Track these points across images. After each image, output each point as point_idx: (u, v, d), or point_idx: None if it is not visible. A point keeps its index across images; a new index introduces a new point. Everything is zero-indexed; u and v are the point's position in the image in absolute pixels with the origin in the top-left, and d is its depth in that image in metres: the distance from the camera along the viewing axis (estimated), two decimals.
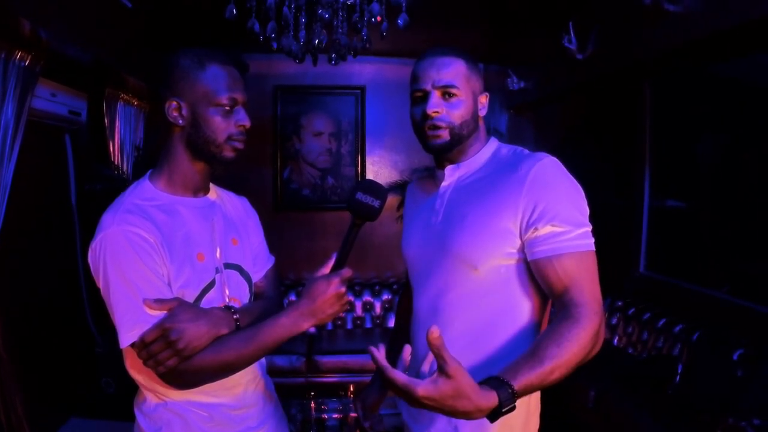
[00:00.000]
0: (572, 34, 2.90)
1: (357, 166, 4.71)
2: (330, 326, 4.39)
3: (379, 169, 4.75)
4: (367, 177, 4.69)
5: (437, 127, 1.22)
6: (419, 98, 1.24)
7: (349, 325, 4.42)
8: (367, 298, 4.45)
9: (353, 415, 2.70)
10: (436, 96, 1.21)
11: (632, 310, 3.49)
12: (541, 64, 3.55)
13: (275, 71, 4.33)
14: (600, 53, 2.81)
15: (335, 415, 2.76)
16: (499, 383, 0.92)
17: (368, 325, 4.38)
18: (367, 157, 4.71)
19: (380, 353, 0.92)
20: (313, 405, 2.75)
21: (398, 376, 0.88)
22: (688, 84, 3.33)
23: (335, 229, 4.49)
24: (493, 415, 0.91)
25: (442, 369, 0.87)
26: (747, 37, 2.09)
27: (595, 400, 2.88)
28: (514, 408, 0.92)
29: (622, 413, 2.66)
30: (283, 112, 4.57)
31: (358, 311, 4.46)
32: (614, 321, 3.59)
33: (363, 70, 4.60)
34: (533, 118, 4.21)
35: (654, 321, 3.24)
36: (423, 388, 0.86)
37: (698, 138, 3.43)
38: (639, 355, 3.23)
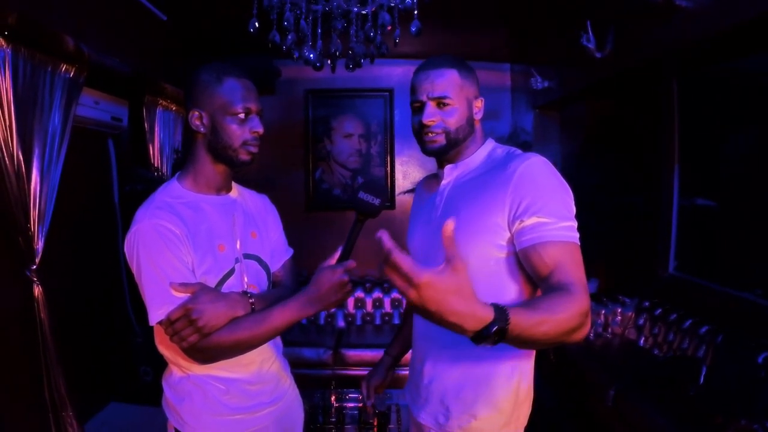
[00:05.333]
0: (590, 33, 2.90)
1: (386, 166, 4.81)
2: (359, 321, 4.51)
3: (407, 168, 4.83)
4: (396, 177, 4.80)
5: (434, 133, 1.32)
6: (417, 108, 1.35)
7: (378, 321, 4.53)
8: (395, 295, 4.54)
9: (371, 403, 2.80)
10: (431, 106, 1.31)
11: (659, 310, 3.45)
12: (562, 63, 3.55)
13: (306, 76, 4.45)
14: (617, 51, 2.81)
15: (354, 404, 2.87)
16: (497, 306, 0.91)
17: (396, 321, 4.47)
18: (396, 158, 4.80)
19: (386, 235, 0.86)
20: (334, 395, 2.87)
21: (404, 260, 0.82)
22: (717, 80, 3.26)
23: (364, 227, 4.56)
24: (483, 331, 0.88)
25: (450, 261, 0.85)
26: (761, 32, 2.06)
27: (614, 399, 2.87)
28: (502, 333, 0.90)
29: (639, 413, 2.66)
30: (314, 115, 4.71)
31: (387, 307, 4.56)
32: (641, 321, 3.56)
33: (391, 73, 4.69)
34: (558, 117, 4.19)
35: (680, 322, 3.21)
36: (428, 275, 0.82)
37: (728, 135, 3.35)
38: (664, 356, 3.20)
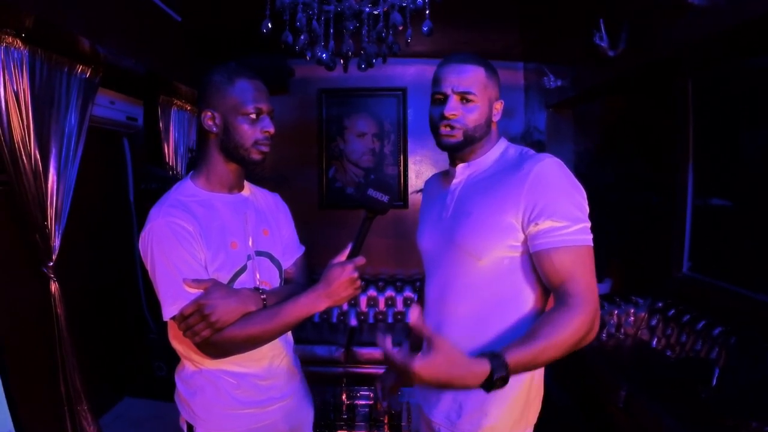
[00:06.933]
0: (603, 31, 2.88)
1: (399, 165, 4.81)
2: (371, 320, 4.53)
3: (420, 168, 4.83)
4: (410, 176, 4.81)
5: (452, 128, 1.31)
6: (439, 100, 1.34)
7: (390, 320, 4.54)
8: (408, 293, 4.55)
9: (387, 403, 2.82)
10: (454, 100, 1.30)
11: (672, 311, 3.42)
12: (575, 61, 3.53)
13: (319, 75, 4.45)
14: (630, 50, 2.78)
15: (365, 402, 2.89)
16: (492, 354, 1.03)
17: (408, 319, 4.47)
18: (409, 157, 4.80)
19: (386, 340, 1.02)
20: (345, 392, 2.89)
21: (396, 356, 0.98)
22: (733, 77, 3.21)
23: (377, 226, 4.50)
24: (487, 382, 1.00)
25: (431, 342, 0.98)
26: None
27: (625, 400, 2.85)
28: (506, 378, 1.01)
29: (649, 414, 2.64)
30: (327, 114, 4.72)
31: (399, 306, 4.56)
32: (654, 322, 3.53)
33: (404, 72, 4.69)
34: (572, 116, 4.16)
35: (693, 323, 3.17)
36: (418, 363, 0.96)
37: (744, 133, 3.30)
38: (677, 358, 3.17)
